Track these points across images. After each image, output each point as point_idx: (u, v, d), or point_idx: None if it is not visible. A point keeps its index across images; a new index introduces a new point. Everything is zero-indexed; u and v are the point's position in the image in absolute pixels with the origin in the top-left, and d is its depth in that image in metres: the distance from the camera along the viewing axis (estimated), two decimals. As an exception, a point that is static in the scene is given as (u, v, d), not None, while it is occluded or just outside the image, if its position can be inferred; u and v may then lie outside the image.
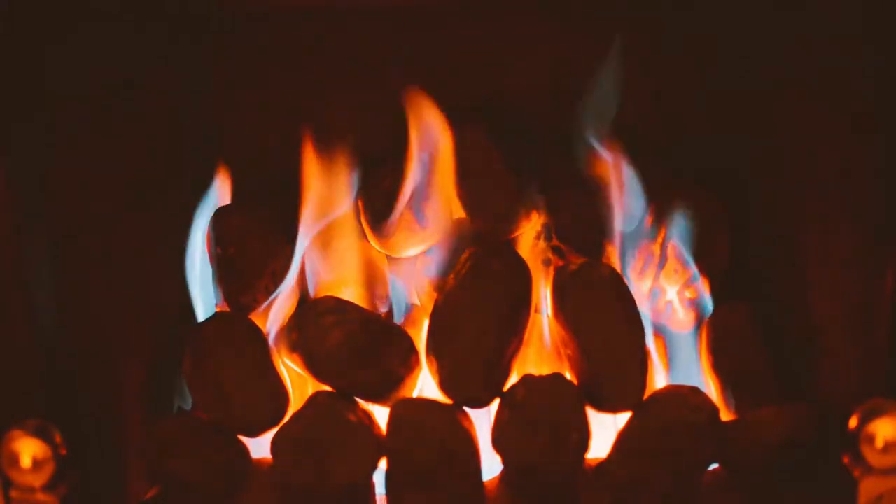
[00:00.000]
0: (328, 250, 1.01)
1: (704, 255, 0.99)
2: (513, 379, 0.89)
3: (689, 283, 0.99)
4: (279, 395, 0.91)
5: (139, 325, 0.96)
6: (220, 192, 1.02)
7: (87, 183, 0.88)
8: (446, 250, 0.98)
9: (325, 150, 0.97)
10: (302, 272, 0.99)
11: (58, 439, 0.79)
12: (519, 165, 0.98)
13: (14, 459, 0.78)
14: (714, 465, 0.88)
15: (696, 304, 1.00)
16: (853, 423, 0.78)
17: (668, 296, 1.00)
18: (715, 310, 0.99)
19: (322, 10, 1.01)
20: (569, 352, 0.90)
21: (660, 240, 1.00)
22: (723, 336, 0.97)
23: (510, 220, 0.98)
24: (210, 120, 1.07)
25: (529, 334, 0.92)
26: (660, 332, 1.00)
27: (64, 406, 0.83)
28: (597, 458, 0.87)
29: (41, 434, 0.79)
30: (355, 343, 0.87)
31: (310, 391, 0.91)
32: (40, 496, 0.80)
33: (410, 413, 0.86)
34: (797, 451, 0.86)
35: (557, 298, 0.91)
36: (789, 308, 0.95)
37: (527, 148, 1.01)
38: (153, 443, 0.90)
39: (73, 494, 0.81)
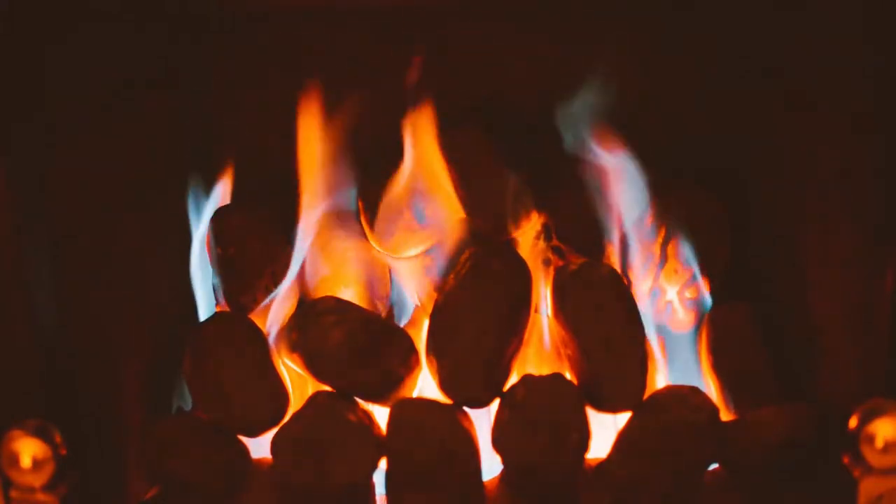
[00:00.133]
0: (328, 250, 1.01)
1: (704, 255, 0.99)
2: (513, 379, 0.89)
3: (689, 283, 0.99)
4: (279, 395, 0.91)
5: (139, 325, 0.96)
6: (220, 192, 1.02)
7: (87, 183, 0.88)
8: (446, 250, 0.98)
9: (325, 150, 0.97)
10: (302, 272, 1.00)
11: (58, 439, 0.80)
12: (519, 165, 0.98)
13: (14, 459, 0.78)
14: (714, 465, 0.88)
15: (696, 304, 1.00)
16: (853, 423, 0.78)
17: (668, 296, 1.00)
18: (715, 310, 0.99)
19: (322, 10, 1.01)
20: (569, 352, 0.90)
21: (660, 240, 1.00)
22: (723, 336, 0.97)
23: (510, 220, 0.98)
24: (210, 120, 1.06)
25: (529, 334, 0.92)
26: (660, 332, 1.00)
27: (64, 406, 0.83)
28: (597, 458, 0.87)
29: (41, 434, 0.79)
30: (355, 343, 0.87)
31: (310, 391, 0.91)
32: (40, 496, 0.80)
33: (410, 413, 0.86)
34: (797, 451, 0.86)
35: (557, 298, 0.91)
36: (789, 308, 0.95)
37: (527, 148, 1.01)
38: (153, 443, 0.90)
39: (73, 494, 0.81)
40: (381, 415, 0.89)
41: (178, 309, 1.00)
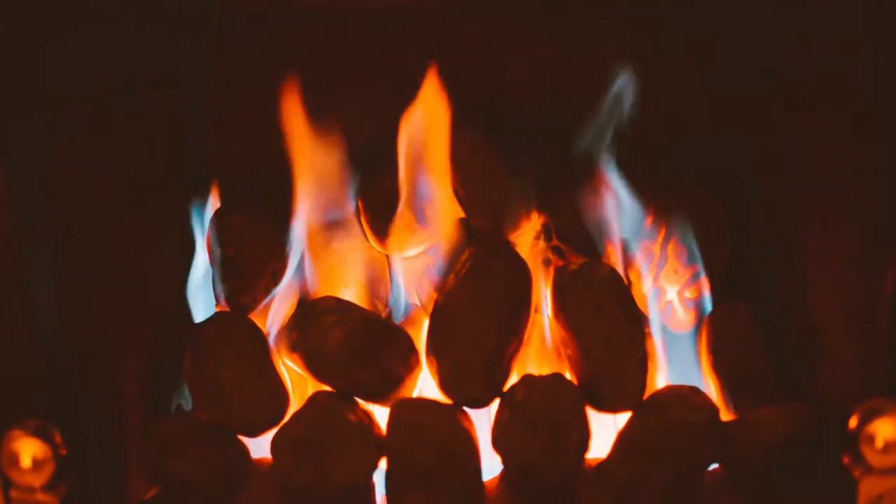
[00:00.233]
0: (328, 250, 1.01)
1: (704, 255, 0.99)
2: (513, 379, 0.89)
3: (689, 283, 0.99)
4: (279, 395, 0.91)
5: (139, 325, 0.96)
6: (219, 193, 1.02)
7: (87, 183, 0.88)
8: (446, 250, 0.98)
9: (325, 149, 0.97)
10: (302, 272, 1.00)
11: (58, 439, 0.79)
12: (519, 165, 0.98)
13: (14, 459, 0.78)
14: (714, 465, 0.88)
15: (696, 304, 1.00)
16: (853, 423, 0.78)
17: (668, 296, 1.00)
18: (715, 310, 0.99)
19: (322, 10, 1.01)
20: (569, 352, 0.90)
21: (660, 240, 1.00)
22: (723, 336, 0.97)
23: (510, 220, 0.98)
24: (210, 120, 1.06)
25: (529, 334, 0.92)
26: (660, 331, 1.00)
27: (64, 406, 0.83)
28: (597, 458, 0.87)
29: (41, 434, 0.79)
30: (355, 343, 0.87)
31: (310, 391, 0.91)
32: (40, 496, 0.79)
33: (410, 413, 0.86)
34: (797, 451, 0.86)
35: (557, 298, 0.91)
36: (789, 308, 0.95)
37: (527, 148, 1.01)
38: (153, 443, 0.90)
39: (73, 494, 0.81)
40: (381, 415, 0.89)
41: (178, 309, 1.00)
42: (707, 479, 0.88)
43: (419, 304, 1.02)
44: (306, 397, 0.89)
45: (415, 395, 0.93)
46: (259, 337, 0.93)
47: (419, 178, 0.97)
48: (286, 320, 0.94)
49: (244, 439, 0.91)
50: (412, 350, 0.90)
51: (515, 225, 0.98)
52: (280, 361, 0.93)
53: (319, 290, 0.99)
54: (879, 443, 0.77)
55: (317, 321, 0.88)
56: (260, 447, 0.91)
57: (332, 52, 1.04)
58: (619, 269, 0.95)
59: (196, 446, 0.89)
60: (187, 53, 1.04)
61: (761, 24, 0.97)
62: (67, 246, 0.86)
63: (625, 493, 0.85)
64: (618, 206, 0.97)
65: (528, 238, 0.99)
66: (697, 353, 0.99)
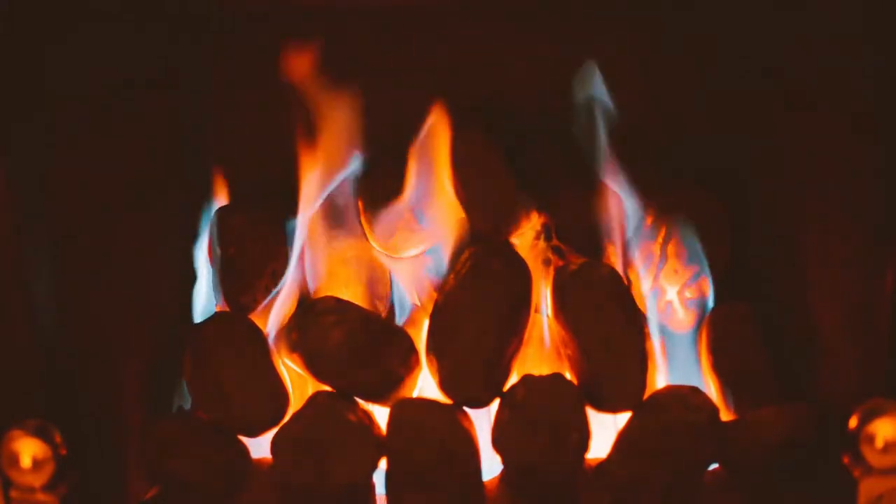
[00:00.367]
0: (328, 250, 1.01)
1: (704, 255, 0.99)
2: (513, 379, 0.89)
3: (689, 283, 0.99)
4: (279, 395, 0.91)
5: (139, 325, 0.96)
6: (220, 193, 1.02)
7: (87, 183, 0.88)
8: (446, 250, 0.98)
9: (326, 150, 0.97)
10: (302, 272, 1.00)
11: (58, 439, 0.79)
12: (519, 165, 0.98)
13: (14, 459, 0.78)
14: (714, 465, 0.88)
15: (696, 304, 1.00)
16: (853, 423, 0.78)
17: (668, 296, 1.00)
18: (715, 310, 0.99)
19: (322, 10, 1.01)
20: (569, 352, 0.90)
21: (660, 240, 1.00)
22: (723, 336, 0.97)
23: (510, 220, 0.98)
24: (210, 120, 1.06)
25: (529, 334, 0.92)
26: (660, 331, 1.00)
27: (64, 406, 0.83)
28: (597, 458, 0.87)
29: (41, 434, 0.79)
30: (355, 343, 0.87)
31: (310, 391, 0.91)
32: (40, 496, 0.79)
33: (410, 413, 0.86)
34: (797, 451, 0.86)
35: (557, 298, 0.91)
36: (789, 308, 0.95)
37: (527, 148, 1.01)
38: (153, 443, 0.90)
39: (73, 494, 0.81)
40: (381, 415, 0.89)
41: (178, 309, 1.00)
42: (707, 479, 0.88)
43: (419, 304, 1.02)
44: (306, 397, 0.89)
45: (415, 395, 0.93)
46: (259, 337, 0.93)
47: (419, 178, 0.97)
48: (286, 320, 0.94)
49: (244, 439, 0.91)
50: (412, 350, 0.90)
51: (515, 225, 0.98)
52: (280, 361, 0.93)
53: (319, 290, 0.99)
54: (879, 443, 0.77)
55: (317, 321, 0.88)
56: (260, 447, 0.91)
57: (332, 52, 1.04)
58: (619, 269, 0.95)
59: (196, 446, 0.89)
60: (187, 53, 1.04)
61: (761, 24, 0.97)
62: (67, 246, 0.86)
63: (625, 493, 0.85)
64: (618, 206, 0.97)
65: (528, 238, 0.99)
66: (697, 353, 0.99)
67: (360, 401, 0.90)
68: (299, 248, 0.97)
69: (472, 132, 0.98)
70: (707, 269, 0.99)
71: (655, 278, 1.00)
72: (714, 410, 0.85)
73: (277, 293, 0.97)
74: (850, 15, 0.82)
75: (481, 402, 0.88)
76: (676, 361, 0.98)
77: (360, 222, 1.02)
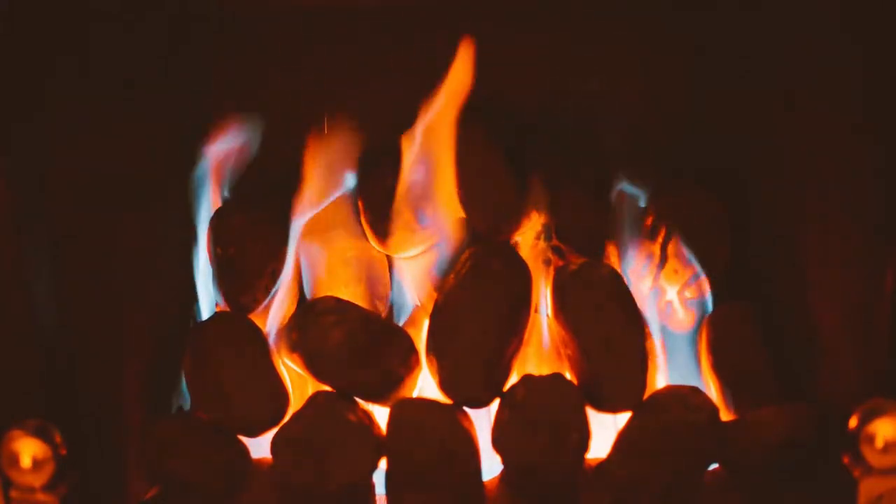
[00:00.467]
0: (328, 250, 1.01)
1: (704, 255, 0.99)
2: (513, 379, 0.89)
3: (689, 283, 0.99)
4: (279, 395, 0.91)
5: (139, 325, 0.96)
6: (219, 192, 1.02)
7: (87, 183, 0.88)
8: (446, 250, 0.98)
9: (325, 150, 0.97)
10: (302, 272, 1.00)
11: (58, 439, 0.79)
12: (519, 166, 0.98)
13: (14, 459, 0.78)
14: (714, 465, 0.88)
15: (696, 304, 1.00)
16: (853, 423, 0.78)
17: (668, 296, 1.00)
18: (715, 310, 0.99)
19: (322, 10, 1.01)
20: (569, 352, 0.90)
21: (660, 240, 1.00)
22: (723, 336, 0.97)
23: (510, 220, 0.98)
24: (210, 120, 1.06)
25: (529, 334, 0.92)
26: (660, 331, 1.00)
27: (64, 406, 0.83)
28: (597, 458, 0.87)
29: (41, 434, 0.79)
30: (355, 343, 0.87)
31: (310, 391, 0.91)
32: (40, 496, 0.79)
33: (410, 413, 0.86)
34: (797, 451, 0.86)
35: (557, 298, 0.91)
36: (789, 308, 0.95)
37: (527, 148, 1.01)
38: (153, 443, 0.90)
39: (73, 494, 0.81)
40: (381, 415, 0.89)
41: (178, 309, 1.00)
42: (707, 479, 0.88)
43: (419, 304, 1.02)
44: (306, 397, 0.89)
45: (415, 395, 0.93)
46: (259, 337, 0.93)
47: (420, 178, 0.97)
48: (286, 320, 0.94)
49: (244, 439, 0.91)
50: (412, 350, 0.90)
51: (515, 225, 0.98)
52: (280, 361, 0.93)
53: (319, 290, 0.99)
54: (879, 443, 0.77)
55: (317, 321, 0.88)
56: (260, 447, 0.91)
57: (332, 52, 1.04)
58: (619, 269, 0.95)
59: (196, 446, 0.89)
60: (187, 53, 1.04)
61: (761, 24, 0.97)
62: (67, 246, 0.86)
63: (625, 493, 0.85)
64: (618, 206, 0.97)
65: (528, 238, 0.99)
66: (697, 353, 0.99)
67: (360, 401, 0.90)
68: (299, 248, 0.97)
69: (473, 132, 0.98)
70: (703, 269, 0.99)
71: (655, 278, 1.00)
72: (714, 410, 0.85)
73: (277, 293, 0.97)
74: (851, 15, 0.82)
75: (481, 402, 0.88)
76: (676, 361, 0.98)
77: (360, 222, 1.02)
